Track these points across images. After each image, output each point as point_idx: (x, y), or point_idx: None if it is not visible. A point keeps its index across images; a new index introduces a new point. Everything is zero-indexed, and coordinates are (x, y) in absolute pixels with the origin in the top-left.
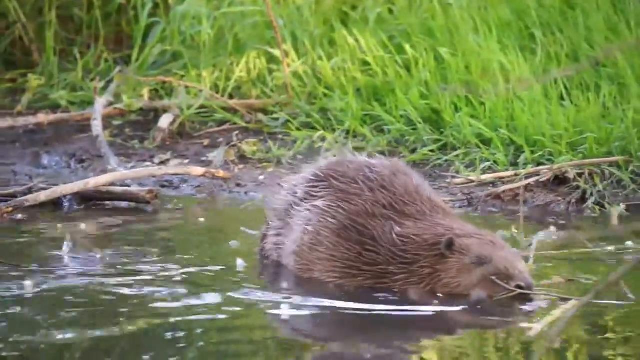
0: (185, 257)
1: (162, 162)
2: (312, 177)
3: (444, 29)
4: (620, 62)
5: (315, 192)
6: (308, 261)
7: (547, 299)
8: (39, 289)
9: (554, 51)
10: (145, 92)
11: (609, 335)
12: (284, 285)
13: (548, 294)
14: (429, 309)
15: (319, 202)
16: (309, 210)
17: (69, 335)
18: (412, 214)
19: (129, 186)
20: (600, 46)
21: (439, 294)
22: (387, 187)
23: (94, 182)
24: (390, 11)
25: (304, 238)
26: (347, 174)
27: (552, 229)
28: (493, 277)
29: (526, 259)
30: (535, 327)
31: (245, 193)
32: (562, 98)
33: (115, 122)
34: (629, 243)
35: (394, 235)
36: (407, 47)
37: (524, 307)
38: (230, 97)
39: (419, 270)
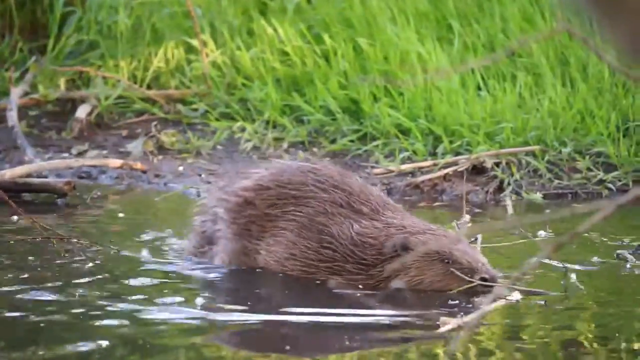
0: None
1: (80, 153)
2: (256, 186)
3: (362, 19)
4: (535, 53)
5: (260, 200)
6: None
7: (511, 290)
8: None
9: (470, 41)
10: (62, 82)
11: (557, 325)
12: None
13: (513, 286)
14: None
15: (269, 210)
16: (255, 217)
17: None
18: (367, 213)
19: (46, 177)
20: (515, 36)
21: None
22: (340, 187)
23: (10, 173)
24: (309, 1)
25: (258, 244)
26: (293, 180)
27: (466, 217)
28: (455, 271)
29: None
30: (451, 322)
31: (165, 184)
32: (479, 88)
33: (32, 113)
34: (542, 233)
35: (353, 234)
36: (326, 37)
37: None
38: (149, 87)
39: (377, 274)
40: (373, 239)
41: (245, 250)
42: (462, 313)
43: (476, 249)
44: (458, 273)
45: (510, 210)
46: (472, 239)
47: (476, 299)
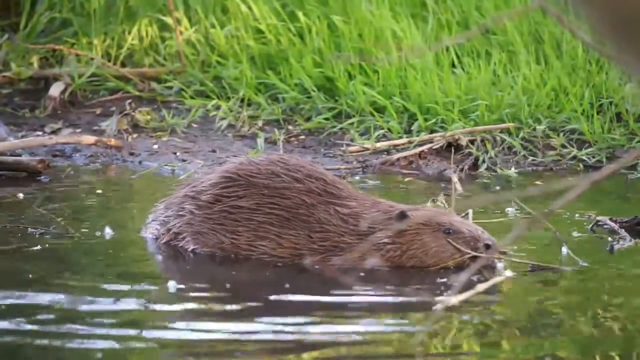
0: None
1: (54, 132)
2: (222, 180)
3: None
4: (509, 30)
5: (230, 193)
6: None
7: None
8: None
9: (445, 19)
10: (35, 60)
11: (559, 300)
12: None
13: (513, 259)
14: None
15: (242, 202)
16: (227, 212)
17: None
18: (349, 196)
19: (20, 156)
20: (490, 14)
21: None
22: (314, 176)
23: None
24: None
25: (236, 239)
26: (262, 170)
27: (460, 189)
28: (459, 241)
29: None
30: (448, 300)
31: (139, 162)
32: (453, 66)
33: (5, 91)
34: (510, 209)
35: (341, 216)
36: (300, 15)
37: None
38: (123, 65)
39: (377, 239)
40: (365, 214)
41: (221, 245)
42: (454, 291)
43: (467, 220)
44: (456, 245)
45: (459, 188)
46: (464, 214)
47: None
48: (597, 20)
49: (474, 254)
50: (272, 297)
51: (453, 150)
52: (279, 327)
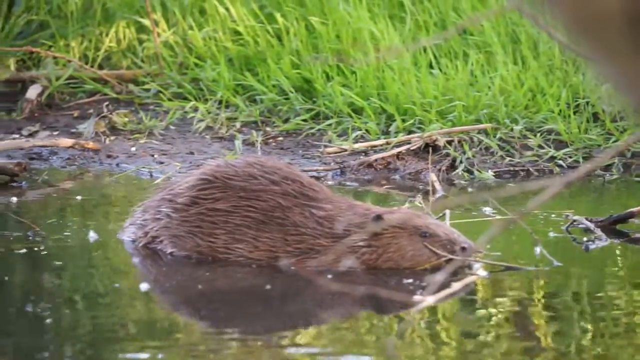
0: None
1: (31, 134)
2: (199, 182)
3: None
4: (486, 30)
5: (207, 196)
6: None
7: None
8: None
9: (422, 20)
10: (12, 62)
11: (533, 299)
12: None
13: (489, 262)
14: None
15: (218, 205)
16: (204, 214)
17: None
18: (326, 199)
19: None
20: (467, 14)
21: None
22: (290, 178)
23: None
24: None
25: (212, 241)
26: (239, 172)
27: (419, 197)
28: (436, 244)
29: None
30: (426, 301)
31: (117, 165)
32: (431, 66)
33: None
34: (487, 209)
35: (317, 218)
36: (278, 16)
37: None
38: (100, 67)
39: (352, 242)
40: (340, 217)
41: (198, 248)
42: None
43: (443, 223)
44: (432, 248)
45: (438, 188)
46: (441, 214)
47: (448, 276)
48: (567, 19)
49: (451, 256)
50: (244, 299)
51: (431, 151)
52: (250, 330)
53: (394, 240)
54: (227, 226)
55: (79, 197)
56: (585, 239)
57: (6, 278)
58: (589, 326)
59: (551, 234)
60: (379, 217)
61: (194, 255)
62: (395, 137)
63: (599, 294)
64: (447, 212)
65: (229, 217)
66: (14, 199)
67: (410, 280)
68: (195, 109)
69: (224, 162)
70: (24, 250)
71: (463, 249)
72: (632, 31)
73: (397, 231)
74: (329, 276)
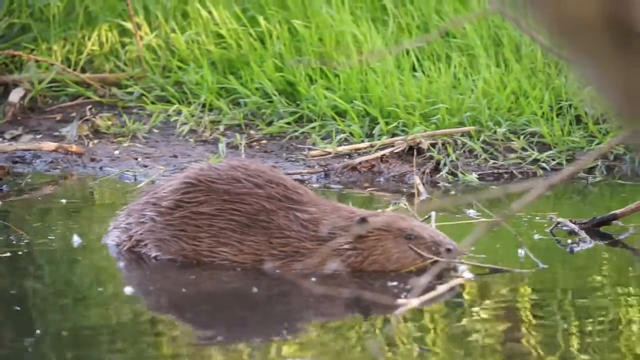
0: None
1: (14, 138)
2: (183, 185)
3: (297, 1)
4: (469, 33)
5: (191, 199)
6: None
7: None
8: None
9: (405, 22)
10: None
11: (518, 301)
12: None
13: (476, 263)
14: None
15: (203, 208)
16: (188, 218)
17: None
18: (310, 202)
19: None
20: (449, 17)
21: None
22: (274, 181)
23: None
24: None
25: (197, 245)
26: (222, 176)
27: (424, 194)
28: (421, 246)
29: None
30: (410, 303)
31: (100, 168)
32: (414, 69)
33: None
34: (471, 211)
35: (301, 221)
36: (261, 19)
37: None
38: (83, 70)
39: (337, 244)
40: (325, 220)
41: (182, 251)
42: (414, 293)
43: (427, 225)
44: (417, 250)
45: (422, 190)
46: (426, 217)
47: (433, 278)
48: (548, 22)
49: (436, 258)
50: (229, 302)
51: (415, 154)
52: (235, 333)
53: (379, 243)
54: (211, 229)
55: (63, 201)
56: (569, 241)
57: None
58: (575, 328)
59: (536, 236)
60: (363, 220)
61: (178, 259)
62: (379, 140)
63: (584, 296)
64: (433, 214)
65: (213, 220)
66: None
67: (395, 283)
68: (179, 112)
69: (207, 165)
70: (8, 254)
71: (448, 250)
72: (613, 34)
73: (382, 234)
74: (314, 279)
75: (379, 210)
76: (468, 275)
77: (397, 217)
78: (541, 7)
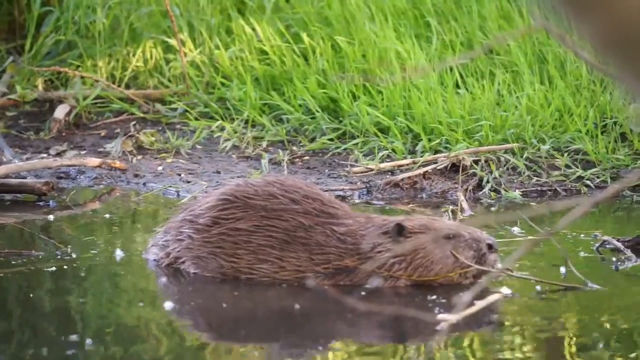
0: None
1: (58, 154)
2: (220, 202)
3: (340, 17)
4: (513, 50)
5: (228, 216)
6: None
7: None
8: None
9: (448, 39)
10: (40, 82)
11: (562, 319)
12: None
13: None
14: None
15: (240, 225)
16: (225, 234)
17: None
18: (344, 215)
19: (24, 178)
20: (493, 34)
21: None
22: (311, 197)
23: None
24: (287, 0)
25: (235, 262)
26: (259, 192)
27: (467, 209)
28: (462, 244)
29: None
30: (450, 318)
31: (144, 184)
32: (457, 86)
33: (10, 114)
34: (515, 229)
35: (338, 236)
36: (304, 36)
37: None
38: (127, 87)
39: (378, 255)
40: (362, 230)
41: (221, 269)
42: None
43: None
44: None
45: (466, 207)
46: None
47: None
48: (596, 39)
49: (480, 267)
50: (268, 318)
51: (459, 170)
52: (275, 349)
53: (421, 247)
54: (249, 246)
55: (106, 216)
56: (614, 258)
57: (31, 295)
58: (621, 346)
59: (581, 254)
60: (399, 226)
61: (217, 277)
62: (422, 156)
63: (632, 313)
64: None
65: (251, 236)
66: (51, 217)
67: (434, 297)
68: (222, 129)
69: (243, 181)
70: (53, 268)
71: (489, 246)
72: None
73: (421, 237)
74: (359, 294)
75: (409, 216)
76: (506, 291)
77: (430, 219)
78: (588, 23)
